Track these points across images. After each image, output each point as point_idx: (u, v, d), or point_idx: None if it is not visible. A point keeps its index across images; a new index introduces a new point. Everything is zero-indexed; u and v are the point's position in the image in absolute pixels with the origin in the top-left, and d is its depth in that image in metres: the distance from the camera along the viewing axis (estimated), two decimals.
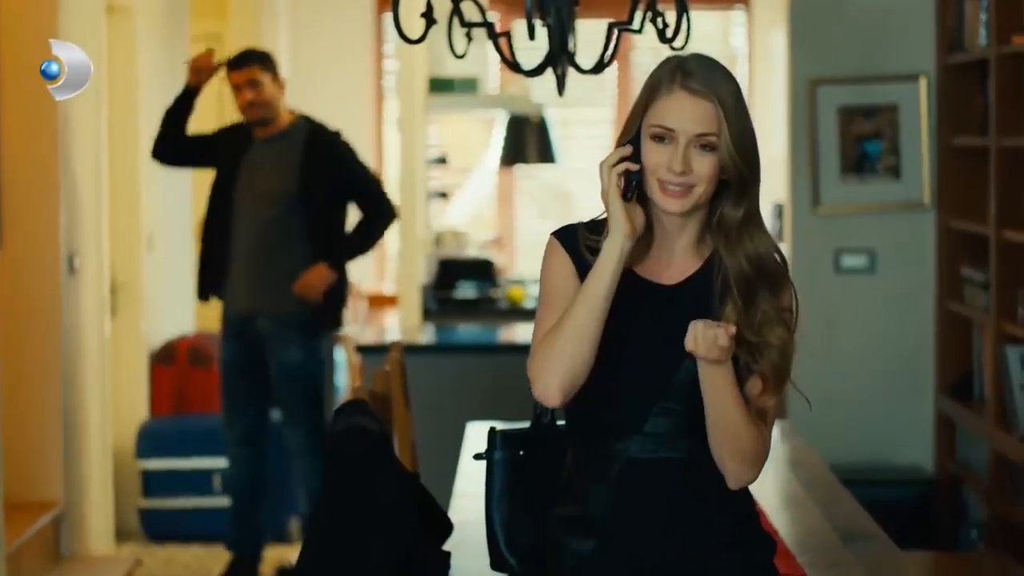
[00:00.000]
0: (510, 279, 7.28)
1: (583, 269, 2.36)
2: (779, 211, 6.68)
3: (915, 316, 5.49)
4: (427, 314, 6.53)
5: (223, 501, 5.81)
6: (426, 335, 6.13)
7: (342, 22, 8.56)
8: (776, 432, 2.70)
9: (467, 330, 6.46)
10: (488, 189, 8.55)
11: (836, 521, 3.30)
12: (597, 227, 2.40)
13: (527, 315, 6.47)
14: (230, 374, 5.38)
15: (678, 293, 2.39)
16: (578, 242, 2.40)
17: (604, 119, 8.77)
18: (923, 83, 5.42)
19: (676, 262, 2.41)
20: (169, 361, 6.45)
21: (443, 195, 7.80)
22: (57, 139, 5.27)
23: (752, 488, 2.44)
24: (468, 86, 6.96)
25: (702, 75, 2.32)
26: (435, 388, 5.42)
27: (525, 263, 8.41)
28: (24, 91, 5.12)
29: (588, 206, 6.86)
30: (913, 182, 5.45)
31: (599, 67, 3.60)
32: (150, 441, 6.12)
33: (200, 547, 5.94)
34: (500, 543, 2.56)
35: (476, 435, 4.05)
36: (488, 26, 3.55)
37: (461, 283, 6.91)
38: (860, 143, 5.46)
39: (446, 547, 2.73)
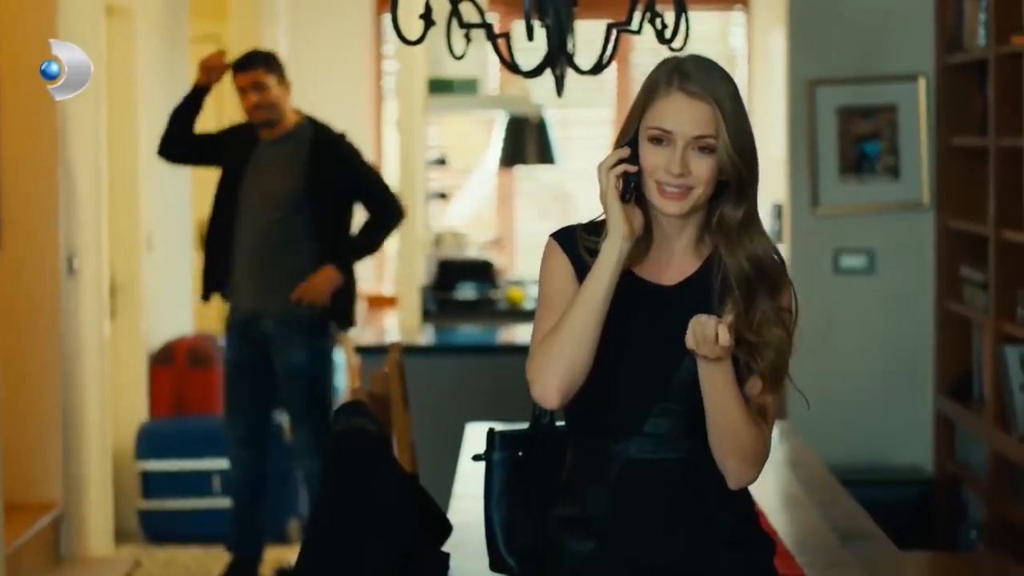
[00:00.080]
0: (510, 280, 7.27)
1: (582, 270, 2.37)
2: (778, 211, 6.68)
3: (914, 316, 5.49)
4: (426, 315, 6.52)
5: (222, 502, 5.81)
6: (425, 336, 6.13)
7: (342, 23, 8.56)
8: (775, 432, 2.69)
9: (466, 331, 6.46)
10: (488, 190, 8.55)
11: (835, 521, 3.30)
12: (596, 228, 2.40)
13: (526, 316, 6.46)
14: (234, 374, 5.36)
15: (677, 294, 2.39)
16: (577, 243, 2.40)
17: (603, 120, 8.77)
18: (922, 83, 5.42)
19: (675, 263, 2.41)
20: (168, 362, 6.45)
21: (443, 196, 7.80)
22: (56, 139, 5.27)
23: (752, 488, 2.44)
24: (467, 87, 6.96)
25: (700, 77, 2.32)
26: (434, 389, 5.42)
27: (525, 264, 8.41)
28: (24, 91, 5.12)
29: (588, 207, 6.84)
30: (912, 182, 5.44)
31: (598, 68, 3.60)
32: (149, 442, 6.12)
33: (199, 548, 5.94)
34: (499, 544, 2.56)
35: (475, 436, 4.05)
36: (487, 27, 3.55)
37: (461, 284, 6.90)
38: (859, 143, 5.45)
39: (445, 548, 2.73)
